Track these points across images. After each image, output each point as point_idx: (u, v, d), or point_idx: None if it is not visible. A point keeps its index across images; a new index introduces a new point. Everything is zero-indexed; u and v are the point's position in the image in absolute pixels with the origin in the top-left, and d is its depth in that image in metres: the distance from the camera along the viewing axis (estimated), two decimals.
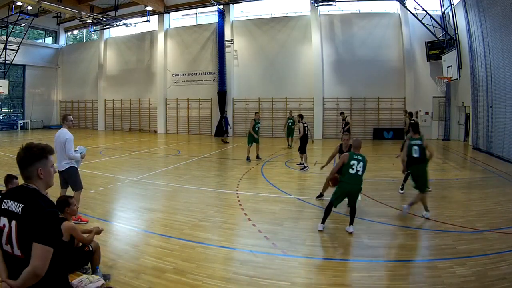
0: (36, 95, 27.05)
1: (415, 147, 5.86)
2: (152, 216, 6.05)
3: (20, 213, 1.90)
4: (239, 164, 11.43)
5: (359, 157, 5.24)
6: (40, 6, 19.19)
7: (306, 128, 10.59)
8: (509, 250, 4.35)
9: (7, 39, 22.33)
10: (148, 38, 24.32)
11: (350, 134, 11.88)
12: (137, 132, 24.15)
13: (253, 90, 21.06)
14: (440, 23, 16.44)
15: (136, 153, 14.29)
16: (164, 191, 7.99)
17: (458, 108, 17.59)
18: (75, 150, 5.62)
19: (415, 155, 5.85)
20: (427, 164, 5.87)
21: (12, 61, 23.32)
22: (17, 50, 23.05)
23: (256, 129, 12.07)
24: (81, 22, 23.07)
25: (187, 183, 8.61)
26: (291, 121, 15.49)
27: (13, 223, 1.90)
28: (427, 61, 18.31)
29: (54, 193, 5.36)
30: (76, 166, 5.67)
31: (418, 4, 16.12)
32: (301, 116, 11.09)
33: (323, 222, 5.25)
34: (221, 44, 21.09)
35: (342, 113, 15.84)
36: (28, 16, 21.93)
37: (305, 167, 10.24)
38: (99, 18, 21.98)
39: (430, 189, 5.99)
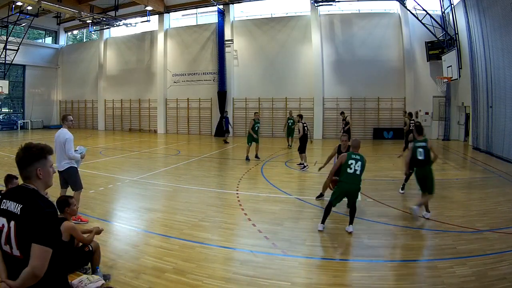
0: (36, 95, 27.05)
1: (420, 149, 5.82)
2: (152, 216, 6.05)
3: (19, 213, 1.89)
4: (239, 164, 11.43)
5: (357, 157, 5.26)
6: (40, 6, 19.19)
7: (305, 128, 10.63)
8: (509, 250, 4.35)
9: (7, 39, 22.33)
10: (148, 38, 24.32)
11: (350, 134, 11.92)
12: (137, 132, 24.15)
13: (253, 90, 21.06)
14: (440, 23, 16.44)
15: (136, 153, 14.29)
16: (164, 191, 7.99)
17: (458, 108, 17.59)
18: (75, 150, 5.62)
19: (420, 157, 5.81)
20: (431, 166, 5.85)
21: (12, 61, 23.31)
22: (17, 50, 23.04)
23: (256, 128, 12.08)
24: (81, 22, 23.06)
25: (187, 183, 8.61)
26: (291, 121, 15.50)
27: (12, 223, 1.90)
28: (427, 61, 18.32)
29: (54, 193, 5.37)
30: (76, 166, 5.67)
31: (418, 4, 16.12)
32: (300, 116, 11.17)
33: (323, 222, 5.25)
34: (221, 44, 21.09)
35: (342, 113, 15.85)
36: (28, 16, 21.92)
37: (304, 166, 10.27)
38: (99, 18, 21.98)
39: None
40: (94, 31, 26.44)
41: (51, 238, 1.88)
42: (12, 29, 22.75)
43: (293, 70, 20.40)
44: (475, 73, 14.48)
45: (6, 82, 23.10)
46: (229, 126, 19.43)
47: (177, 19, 23.93)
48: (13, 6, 20.18)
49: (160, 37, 23.38)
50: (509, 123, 11.61)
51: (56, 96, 28.64)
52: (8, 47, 22.53)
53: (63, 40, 28.75)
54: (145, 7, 21.37)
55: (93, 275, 3.45)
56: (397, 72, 18.93)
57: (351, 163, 5.21)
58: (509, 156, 11.32)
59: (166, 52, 23.39)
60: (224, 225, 5.58)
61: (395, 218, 5.85)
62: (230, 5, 21.36)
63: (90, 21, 22.25)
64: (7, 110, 27.03)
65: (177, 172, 10.10)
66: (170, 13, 23.47)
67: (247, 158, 11.85)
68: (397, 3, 17.65)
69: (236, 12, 21.86)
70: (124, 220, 5.93)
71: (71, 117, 5.83)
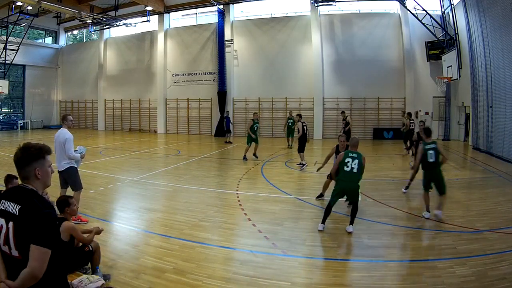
0: (36, 95, 27.04)
1: (431, 152, 5.79)
2: (152, 216, 6.05)
3: (17, 214, 1.89)
4: (239, 164, 11.43)
5: (354, 155, 5.28)
6: (40, 6, 19.19)
7: (304, 127, 10.69)
8: (509, 250, 4.35)
9: (7, 39, 22.33)
10: (148, 38, 24.31)
11: (351, 135, 11.92)
12: (137, 132, 24.15)
13: (253, 90, 21.06)
14: (440, 23, 16.43)
15: (136, 153, 14.29)
16: (164, 191, 7.99)
17: (458, 108, 17.58)
18: (75, 150, 5.61)
19: (430, 160, 5.78)
20: (440, 167, 5.85)
21: (12, 61, 23.31)
22: (17, 50, 23.04)
23: (255, 129, 12.11)
24: (81, 22, 23.05)
25: (187, 183, 8.61)
26: (291, 121, 15.51)
27: (11, 224, 1.89)
28: (427, 61, 18.31)
29: (54, 193, 5.38)
30: (75, 166, 5.67)
31: (418, 4, 16.11)
32: (299, 116, 11.25)
33: (323, 222, 5.25)
34: (221, 44, 21.09)
35: (343, 112, 15.86)
36: (28, 16, 21.91)
37: (303, 165, 10.31)
38: (99, 18, 21.98)
39: (431, 189, 6.00)
40: (94, 31, 26.44)
41: (50, 239, 1.88)
42: (12, 29, 22.74)
43: (293, 70, 20.40)
44: (475, 73, 14.48)
45: (6, 82, 23.09)
46: (230, 126, 19.42)
47: (177, 19, 23.93)
48: (13, 6, 20.17)
49: (160, 37, 23.38)
50: (509, 123, 11.61)
51: (56, 96, 28.64)
52: (8, 47, 22.53)
53: (63, 40, 28.75)
54: (145, 7, 21.36)
55: (93, 275, 3.45)
56: (397, 72, 18.93)
57: (348, 161, 5.24)
58: (509, 156, 11.31)
59: (166, 52, 23.38)
60: (224, 225, 5.58)
61: (395, 218, 5.85)
62: (230, 5, 21.35)
63: (90, 21, 22.25)
64: (7, 110, 27.03)
65: (177, 172, 10.10)
66: (170, 13, 23.47)
67: (245, 158, 11.90)
68: (397, 3, 17.65)
69: (236, 12, 21.86)
70: (124, 220, 5.93)
71: (71, 117, 5.83)
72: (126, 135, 22.39)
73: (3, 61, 22.89)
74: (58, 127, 6.61)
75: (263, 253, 4.45)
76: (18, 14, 20.96)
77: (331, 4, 18.31)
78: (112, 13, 21.98)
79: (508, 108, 11.68)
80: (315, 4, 18.29)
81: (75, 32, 29.27)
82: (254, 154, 12.20)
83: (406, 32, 18.47)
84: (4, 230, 1.91)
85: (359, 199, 5.77)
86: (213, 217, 5.96)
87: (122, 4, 21.88)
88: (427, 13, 16.00)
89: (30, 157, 2.00)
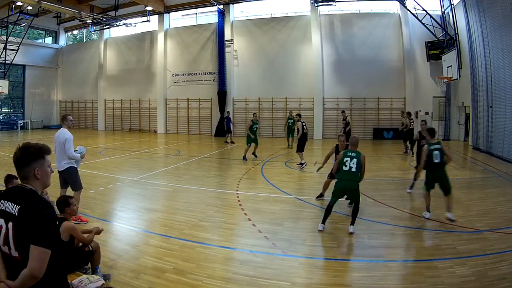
0: (36, 95, 27.04)
1: (436, 152, 5.75)
2: (152, 216, 6.04)
3: (16, 214, 1.88)
4: (239, 164, 11.43)
5: (353, 154, 5.28)
6: (40, 6, 19.19)
7: (304, 127, 10.74)
8: (509, 250, 4.35)
9: (7, 39, 22.33)
10: (148, 38, 24.31)
11: (351, 135, 11.94)
12: (137, 132, 24.15)
13: (253, 90, 21.06)
14: (440, 23, 16.43)
15: (136, 153, 14.29)
16: (164, 191, 7.99)
17: (458, 108, 17.58)
18: (75, 150, 5.61)
19: (436, 160, 5.74)
20: (445, 167, 5.82)
21: (12, 61, 23.31)
22: (17, 50, 23.04)
23: (255, 129, 12.14)
24: (81, 22, 23.06)
25: (187, 183, 8.61)
26: (291, 120, 15.51)
27: (10, 224, 1.89)
28: (427, 61, 18.31)
29: (54, 193, 5.37)
30: (75, 166, 5.67)
31: (418, 4, 16.11)
32: (299, 115, 11.33)
33: (323, 222, 5.25)
34: (221, 44, 21.08)
35: (343, 112, 15.87)
36: (28, 16, 21.91)
37: (302, 164, 10.34)
38: (99, 18, 21.98)
39: (433, 189, 6.00)
40: (94, 31, 26.44)
41: (50, 239, 1.87)
42: (12, 29, 22.74)
43: (293, 70, 20.40)
44: (475, 73, 14.48)
45: (6, 82, 23.09)
46: (231, 126, 19.39)
47: (177, 19, 23.93)
48: (13, 6, 20.17)
49: (160, 37, 23.37)
50: (509, 123, 11.60)
51: (56, 96, 28.63)
52: (8, 47, 22.53)
53: (63, 40, 28.75)
54: (145, 7, 21.36)
55: (93, 275, 3.45)
56: (397, 72, 18.92)
57: (346, 161, 5.25)
58: (509, 156, 11.31)
59: (166, 52, 23.38)
60: (224, 225, 5.58)
61: (395, 218, 5.85)
62: (230, 5, 21.35)
63: (90, 21, 22.25)
64: (7, 110, 27.03)
65: (177, 172, 10.10)
66: (170, 13, 23.47)
67: (244, 158, 11.92)
68: (397, 3, 17.65)
69: (236, 12, 21.86)
70: (124, 220, 5.93)
71: (71, 117, 5.83)
72: (126, 135, 22.39)
73: (3, 61, 22.89)
74: (58, 127, 6.61)
75: (263, 253, 4.45)
76: (18, 14, 20.96)
77: (331, 4, 18.31)
78: (112, 13, 21.98)
79: (508, 108, 11.68)
80: (315, 4, 18.29)
81: (75, 32, 29.27)
82: (254, 153, 12.24)
83: (406, 32, 18.47)
84: (3, 231, 1.91)
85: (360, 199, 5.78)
86: (213, 217, 5.96)
87: (122, 4, 21.88)
88: (427, 13, 16.00)
89: (30, 157, 1.99)
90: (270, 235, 5.03)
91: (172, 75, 23.36)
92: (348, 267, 4.21)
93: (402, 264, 4.21)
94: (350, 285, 3.78)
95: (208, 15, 22.69)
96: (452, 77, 15.72)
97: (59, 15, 24.95)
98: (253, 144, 12.15)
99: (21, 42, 23.26)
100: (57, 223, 2.87)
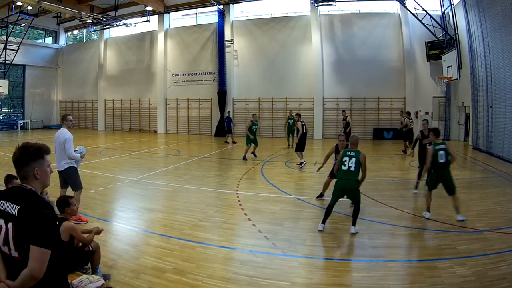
0: (36, 95, 27.03)
1: (441, 152, 5.74)
2: (152, 216, 6.04)
3: (16, 215, 1.88)
4: (239, 164, 11.43)
5: (352, 153, 5.28)
6: (40, 6, 19.19)
7: (304, 126, 10.77)
8: (509, 250, 4.35)
9: (7, 39, 22.32)
10: (148, 38, 24.31)
11: (351, 135, 11.95)
12: (137, 132, 24.15)
13: (253, 90, 21.05)
14: (440, 23, 16.43)
15: (136, 153, 14.29)
16: (164, 191, 7.99)
17: (458, 108, 17.58)
18: (75, 150, 5.61)
19: (441, 160, 5.72)
20: (449, 168, 5.80)
21: (12, 61, 23.30)
22: (17, 50, 23.03)
23: (254, 130, 12.16)
24: (81, 22, 23.05)
25: (187, 183, 8.61)
26: (291, 120, 15.52)
27: (10, 225, 1.88)
28: (427, 61, 18.30)
29: (54, 193, 5.37)
30: (75, 166, 5.66)
31: (418, 4, 16.11)
32: (298, 115, 11.42)
33: (323, 222, 5.25)
34: (221, 44, 21.08)
35: (343, 112, 15.86)
36: (28, 16, 21.91)
37: (302, 163, 10.35)
38: (99, 18, 21.97)
39: (435, 189, 5.99)
40: (94, 31, 26.44)
41: (49, 240, 1.87)
42: (12, 29, 22.73)
43: (293, 70, 20.39)
44: (475, 73, 14.48)
45: (6, 82, 23.09)
46: (232, 126, 19.38)
47: (177, 19, 23.92)
48: (13, 6, 20.17)
49: (160, 37, 23.37)
50: (509, 123, 11.61)
51: (56, 96, 28.63)
52: (8, 47, 22.52)
53: (63, 40, 28.74)
54: (145, 7, 21.36)
55: (93, 275, 3.45)
56: (397, 72, 18.92)
57: (345, 160, 5.26)
58: (509, 156, 11.31)
59: (166, 52, 23.38)
60: (224, 225, 5.58)
61: (395, 218, 5.85)
62: (230, 5, 21.35)
63: (90, 21, 22.25)
64: (7, 110, 27.03)
65: (177, 172, 10.10)
66: (170, 13, 23.46)
67: (244, 158, 11.93)
68: (397, 3, 17.65)
69: (236, 12, 21.86)
70: (124, 220, 5.93)
71: (70, 117, 5.84)
72: (126, 135, 22.39)
73: (3, 61, 22.89)
74: (58, 127, 6.61)
75: (263, 253, 4.45)
76: (18, 14, 20.95)
77: (331, 4, 18.31)
78: (112, 13, 21.97)
79: (508, 108, 11.68)
80: (315, 4, 18.29)
81: (75, 32, 29.27)
82: (253, 153, 12.27)
83: (406, 32, 18.47)
84: (3, 231, 1.91)
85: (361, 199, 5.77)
86: (213, 217, 5.96)
87: (122, 4, 21.88)
88: (427, 13, 16.00)
89: (29, 157, 1.99)
90: (270, 235, 5.03)
91: (172, 75, 23.36)
92: (348, 267, 4.21)
93: (402, 264, 4.21)
94: (350, 285, 3.78)
95: (208, 15, 22.69)
96: (452, 77, 15.72)
97: (59, 15, 24.95)
98: (253, 144, 12.18)
99: (21, 42, 23.26)
100: (57, 223, 2.87)
